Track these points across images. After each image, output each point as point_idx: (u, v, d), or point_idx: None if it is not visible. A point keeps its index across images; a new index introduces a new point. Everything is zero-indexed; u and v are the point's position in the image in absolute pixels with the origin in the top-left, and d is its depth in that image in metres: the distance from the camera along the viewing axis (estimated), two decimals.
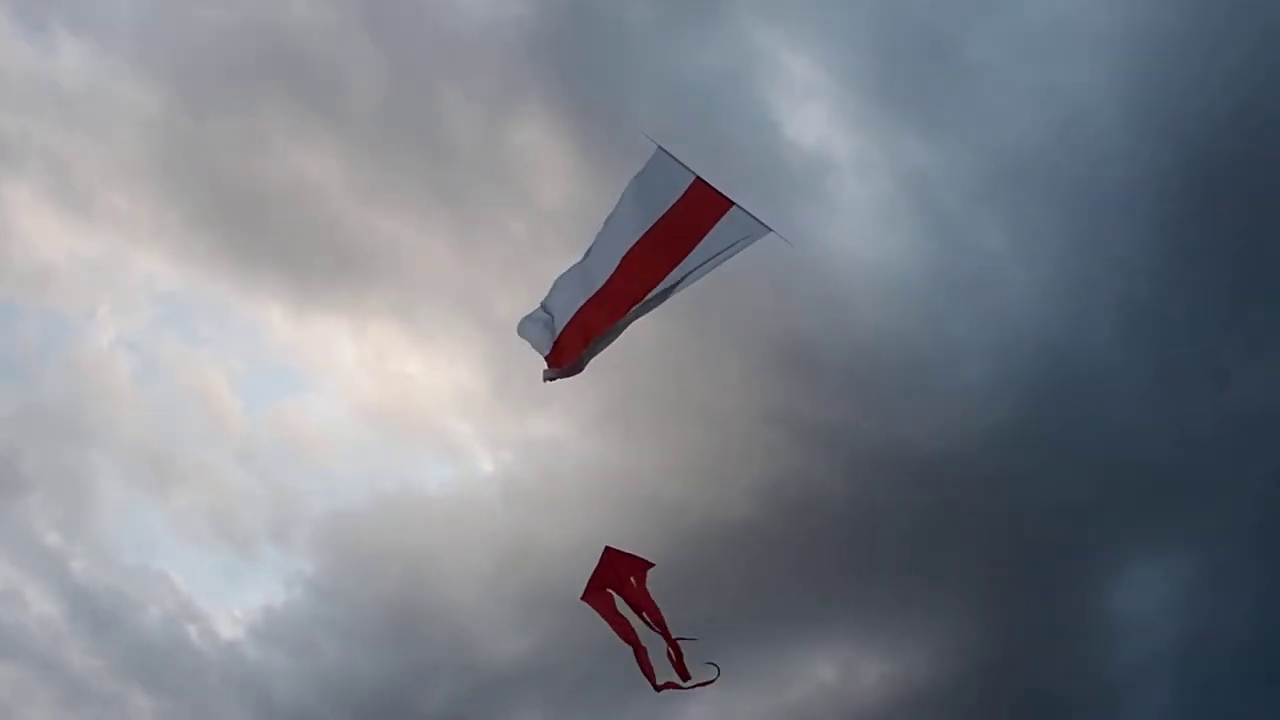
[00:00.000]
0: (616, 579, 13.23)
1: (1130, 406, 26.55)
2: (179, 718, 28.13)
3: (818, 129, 28.64)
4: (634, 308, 11.30)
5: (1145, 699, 26.43)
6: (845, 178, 28.04)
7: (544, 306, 11.61)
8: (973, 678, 26.89)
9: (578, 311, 11.39)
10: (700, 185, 11.30)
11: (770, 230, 11.08)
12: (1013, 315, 26.88)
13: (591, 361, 11.62)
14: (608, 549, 13.38)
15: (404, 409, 32.04)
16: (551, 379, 11.55)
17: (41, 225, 29.93)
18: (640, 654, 13.04)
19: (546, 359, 11.46)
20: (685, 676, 12.98)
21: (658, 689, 12.92)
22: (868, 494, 26.65)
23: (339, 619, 28.52)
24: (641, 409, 26.41)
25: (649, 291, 11.25)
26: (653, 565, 13.33)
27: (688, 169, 11.40)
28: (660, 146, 11.52)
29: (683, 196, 11.34)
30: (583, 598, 13.24)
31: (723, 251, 11.13)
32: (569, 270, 11.70)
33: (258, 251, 30.02)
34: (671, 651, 13.00)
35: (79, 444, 30.90)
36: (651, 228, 11.35)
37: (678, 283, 11.23)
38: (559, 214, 27.48)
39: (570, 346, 11.40)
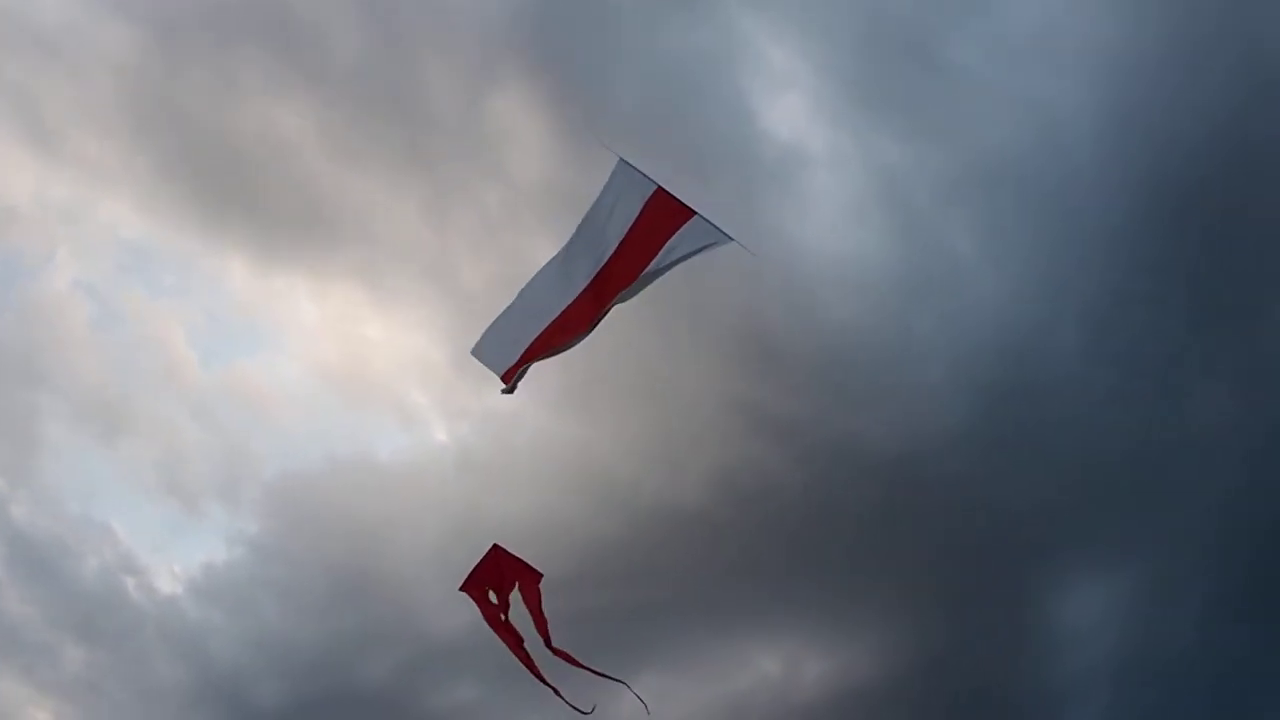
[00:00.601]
0: (498, 579, 13.19)
1: (1086, 416, 26.82)
2: (112, 671, 27.78)
3: (794, 121, 28.78)
4: (596, 316, 11.39)
5: (1085, 705, 26.77)
6: (818, 172, 28.17)
7: (505, 324, 11.64)
8: (915, 678, 27.10)
9: (543, 331, 11.46)
10: (662, 195, 11.31)
11: (732, 240, 11.03)
12: (976, 318, 27.10)
13: None
14: (495, 547, 13.34)
15: (362, 373, 31.89)
16: (510, 392, 11.62)
17: (6, 164, 29.46)
18: (513, 646, 13.02)
19: (503, 376, 11.54)
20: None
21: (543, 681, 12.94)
22: (821, 488, 26.76)
23: (281, 581, 28.26)
24: (601, 388, 26.32)
25: (611, 300, 11.33)
26: (541, 576, 13.22)
27: (649, 179, 11.39)
28: (621, 158, 11.53)
29: (645, 207, 11.34)
30: (461, 587, 13.26)
31: (683, 256, 11.13)
32: (532, 285, 11.72)
33: (225, 205, 29.68)
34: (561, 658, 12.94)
35: (29, 386, 30.51)
36: (619, 244, 11.37)
37: (640, 288, 11.29)
38: (532, 188, 27.40)
39: (529, 358, 11.51)
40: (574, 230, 11.68)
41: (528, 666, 12.96)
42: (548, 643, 12.92)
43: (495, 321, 11.79)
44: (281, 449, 33.17)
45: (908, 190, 27.63)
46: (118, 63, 28.15)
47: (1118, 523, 26.76)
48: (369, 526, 28.17)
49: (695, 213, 11.16)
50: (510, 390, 11.64)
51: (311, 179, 28.50)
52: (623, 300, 11.38)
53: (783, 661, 28.60)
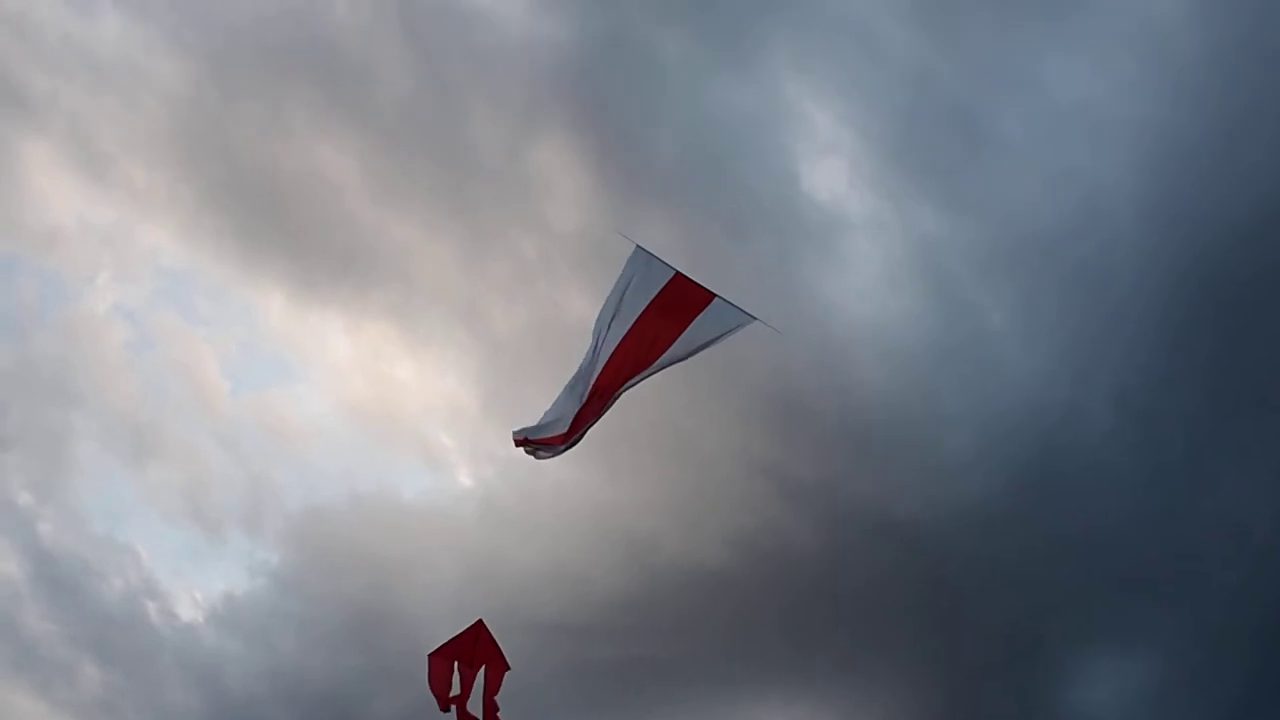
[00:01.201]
0: (470, 655, 13.27)
1: (1112, 501, 26.51)
2: (127, 693, 27.96)
3: (834, 185, 28.89)
4: (619, 391, 11.49)
5: None
6: (856, 237, 28.24)
7: (542, 422, 11.72)
8: None
9: (575, 417, 11.55)
10: (681, 279, 11.39)
11: (755, 319, 11.08)
12: (1006, 395, 26.91)
13: None
14: (479, 623, 13.44)
15: (391, 412, 32.09)
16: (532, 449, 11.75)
17: (55, 186, 30.04)
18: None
19: (539, 449, 11.70)
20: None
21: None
22: (842, 555, 26.64)
23: (299, 614, 28.37)
24: (628, 443, 26.34)
25: (635, 377, 11.42)
26: (509, 668, 13.35)
27: (667, 265, 11.49)
28: (638, 245, 11.62)
29: (663, 290, 11.41)
30: (431, 654, 13.32)
31: (707, 341, 11.22)
32: (565, 390, 11.80)
33: (265, 238, 30.11)
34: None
35: (63, 406, 30.89)
36: (635, 324, 11.45)
37: (660, 369, 11.39)
38: (569, 238, 27.63)
39: (565, 438, 11.61)
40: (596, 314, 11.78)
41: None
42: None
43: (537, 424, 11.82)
44: (306, 482, 33.44)
45: (944, 260, 27.67)
46: (169, 93, 28.81)
47: (1137, 609, 26.47)
48: (388, 565, 28.33)
49: (715, 295, 11.25)
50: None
51: (352, 217, 28.92)
52: (640, 380, 11.48)
53: None
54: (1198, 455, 26.38)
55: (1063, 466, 26.55)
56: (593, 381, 11.54)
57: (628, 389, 11.57)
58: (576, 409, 11.52)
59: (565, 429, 11.54)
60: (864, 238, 28.21)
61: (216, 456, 32.21)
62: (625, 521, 26.10)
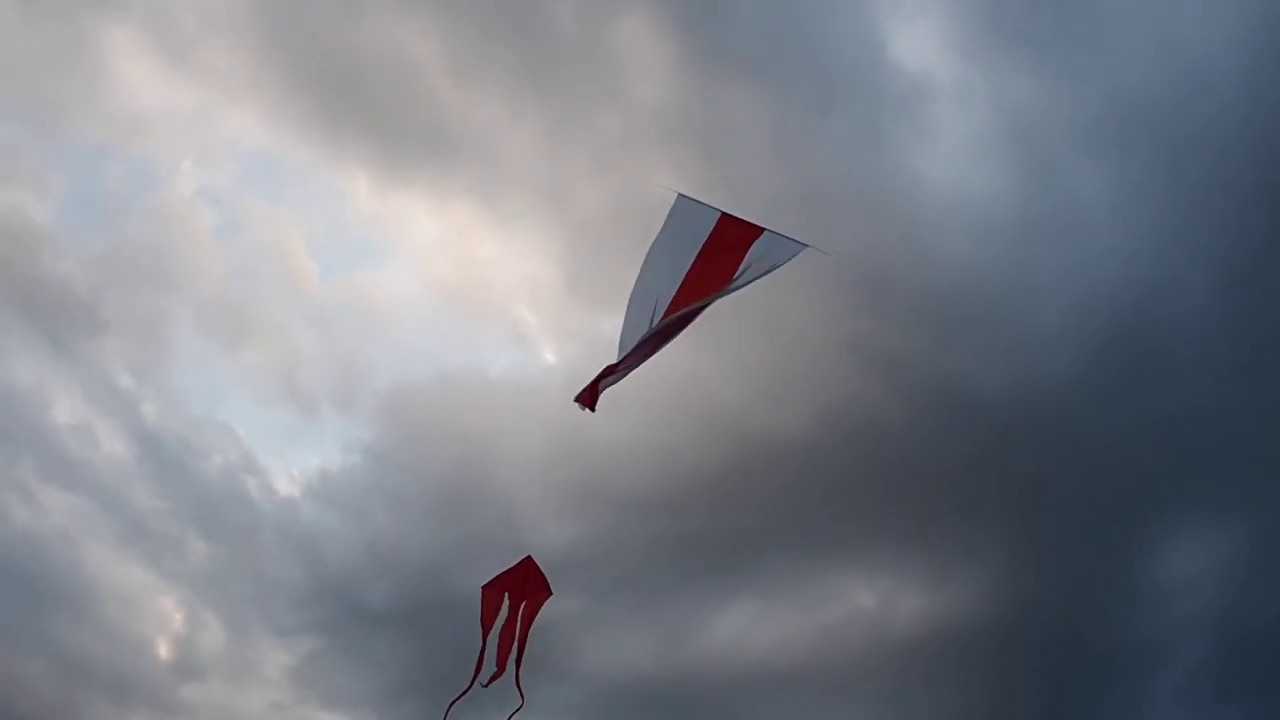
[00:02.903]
0: (519, 588, 13.75)
1: (1205, 375, 26.14)
2: (232, 565, 29.08)
3: (923, 52, 28.05)
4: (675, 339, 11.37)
5: (1179, 659, 26.51)
6: (945, 105, 27.55)
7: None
8: (1009, 622, 27.07)
9: (629, 354, 11.42)
10: (728, 220, 11.19)
11: (806, 246, 10.85)
12: (1098, 268, 26.45)
13: None
14: (528, 559, 13.87)
15: (476, 292, 32.35)
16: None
17: (139, 74, 30.15)
18: (483, 653, 13.56)
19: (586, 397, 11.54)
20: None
21: (483, 684, 13.43)
22: (927, 429, 26.64)
23: (392, 488, 29.13)
24: (713, 317, 26.27)
25: (694, 317, 11.25)
26: (550, 595, 13.76)
27: (712, 207, 11.27)
28: (680, 194, 11.38)
29: (712, 234, 11.23)
30: (484, 586, 13.78)
31: (761, 274, 11.00)
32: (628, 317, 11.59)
33: (349, 120, 30.08)
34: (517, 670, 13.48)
35: (158, 291, 31.58)
36: (688, 272, 11.24)
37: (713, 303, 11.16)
38: (652, 113, 27.33)
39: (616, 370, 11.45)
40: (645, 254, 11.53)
41: (499, 662, 13.48)
42: (518, 659, 13.47)
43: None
44: (395, 360, 33.83)
45: (1037, 128, 26.95)
46: None
47: (1226, 479, 26.22)
48: (477, 440, 28.85)
49: (764, 229, 11.07)
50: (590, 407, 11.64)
51: (435, 98, 28.77)
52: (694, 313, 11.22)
53: (878, 596, 28.81)
54: None
55: (1156, 340, 26.21)
56: (648, 333, 11.34)
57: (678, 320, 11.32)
58: (624, 356, 11.42)
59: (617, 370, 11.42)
60: (953, 106, 27.55)
61: (307, 337, 32.80)
62: (712, 395, 26.24)
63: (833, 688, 27.54)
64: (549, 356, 30.96)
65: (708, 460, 26.30)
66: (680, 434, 26.33)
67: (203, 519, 29.10)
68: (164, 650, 28.44)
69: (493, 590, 13.83)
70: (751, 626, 28.53)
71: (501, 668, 13.42)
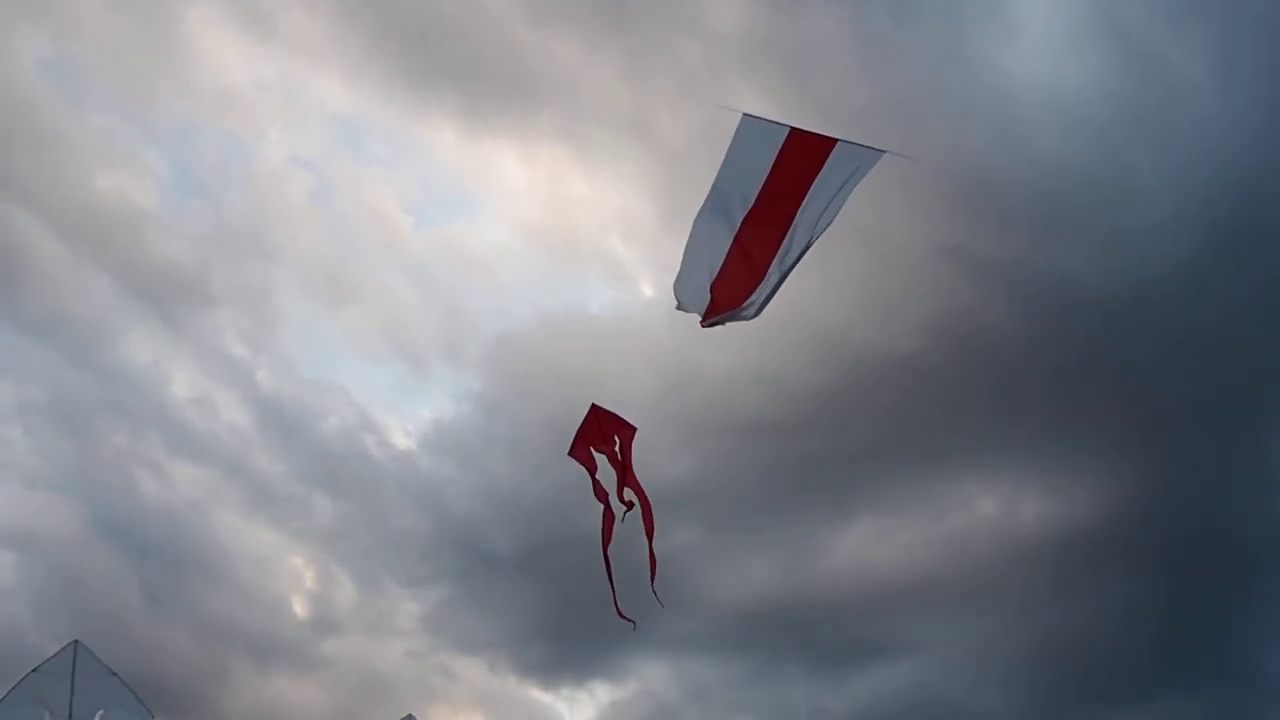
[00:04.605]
0: (600, 437, 13.62)
1: None
2: (358, 520, 30.06)
3: None
4: (773, 262, 11.05)
5: None
6: None
7: (689, 272, 11.25)
8: (1135, 519, 26.81)
9: (720, 271, 11.11)
10: (797, 134, 10.88)
11: (884, 152, 10.62)
12: (1203, 153, 25.59)
13: None
14: (594, 407, 13.72)
15: (570, 233, 32.60)
16: (712, 325, 11.38)
17: (221, 48, 30.89)
18: (608, 520, 13.52)
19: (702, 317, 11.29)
20: (653, 568, 13.33)
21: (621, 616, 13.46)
22: (1035, 330, 26.28)
23: (505, 435, 29.68)
24: None
25: (781, 238, 11.00)
26: (635, 430, 13.60)
27: (780, 124, 10.98)
28: (746, 114, 11.00)
29: (783, 149, 10.94)
30: (570, 452, 13.71)
31: (842, 186, 10.79)
32: (697, 234, 11.24)
33: (430, 74, 30.44)
34: (646, 528, 13.36)
35: (260, 261, 32.48)
36: (759, 195, 11.01)
37: (812, 228, 10.90)
38: (732, 39, 27.07)
39: (724, 300, 11.15)
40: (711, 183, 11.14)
41: (605, 542, 13.51)
42: (636, 489, 13.41)
43: (680, 270, 11.37)
44: (497, 308, 34.34)
45: (1130, 13, 26.09)
46: None
47: None
48: (585, 379, 29.02)
49: (837, 140, 10.81)
50: (716, 323, 11.34)
51: (512, 43, 28.87)
52: (801, 249, 10.97)
53: (1000, 502, 28.69)
54: None
55: (1263, 224, 25.34)
56: (725, 256, 11.11)
57: (781, 263, 11.07)
58: (710, 282, 11.13)
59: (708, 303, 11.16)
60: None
61: (409, 292, 33.47)
62: (816, 316, 26.12)
63: (960, 600, 27.63)
64: (648, 290, 31.01)
65: (816, 381, 26.36)
66: (786, 357, 26.38)
67: (325, 478, 30.16)
68: (300, 608, 29.63)
69: (579, 449, 13.71)
70: (873, 544, 28.72)
71: (629, 504, 13.39)
